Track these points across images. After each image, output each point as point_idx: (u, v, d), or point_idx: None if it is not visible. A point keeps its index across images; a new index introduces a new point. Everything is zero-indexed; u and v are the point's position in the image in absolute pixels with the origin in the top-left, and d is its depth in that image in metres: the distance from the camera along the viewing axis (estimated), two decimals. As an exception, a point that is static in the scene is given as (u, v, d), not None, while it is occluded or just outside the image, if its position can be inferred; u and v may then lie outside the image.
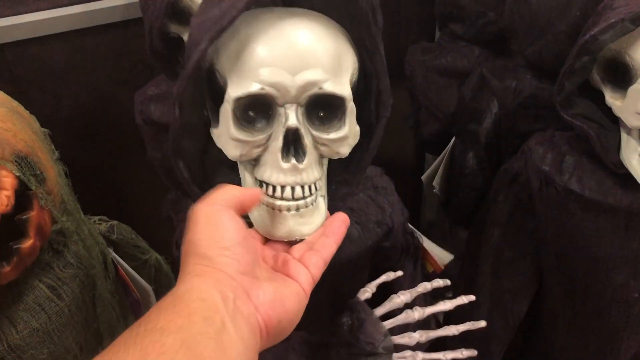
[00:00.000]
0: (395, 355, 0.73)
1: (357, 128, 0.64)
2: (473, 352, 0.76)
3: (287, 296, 0.53)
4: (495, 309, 0.98)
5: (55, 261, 0.88)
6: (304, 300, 0.55)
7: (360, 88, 0.65)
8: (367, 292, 0.77)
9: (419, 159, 1.76)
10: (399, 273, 0.79)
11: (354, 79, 0.63)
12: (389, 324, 0.75)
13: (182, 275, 0.50)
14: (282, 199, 0.60)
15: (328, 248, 0.59)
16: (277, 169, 0.60)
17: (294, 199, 0.60)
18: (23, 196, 0.76)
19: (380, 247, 0.83)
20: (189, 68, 0.57)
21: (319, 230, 0.62)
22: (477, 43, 1.24)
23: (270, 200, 0.61)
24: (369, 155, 0.68)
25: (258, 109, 0.59)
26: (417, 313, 0.76)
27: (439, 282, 0.78)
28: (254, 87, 0.57)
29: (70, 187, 0.90)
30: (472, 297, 0.78)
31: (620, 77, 0.78)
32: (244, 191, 0.56)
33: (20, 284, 0.82)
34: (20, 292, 0.83)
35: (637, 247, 0.85)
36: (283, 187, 0.60)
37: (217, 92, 0.61)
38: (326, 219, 0.64)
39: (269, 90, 0.57)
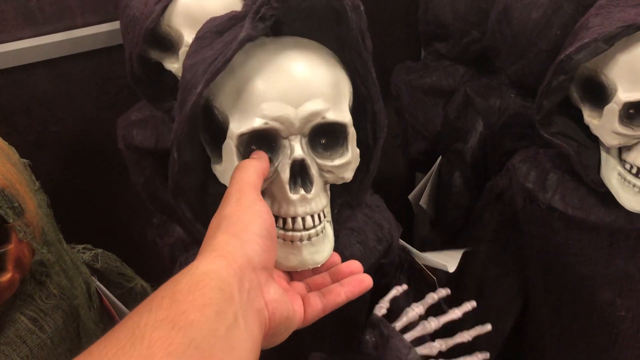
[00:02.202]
0: None
1: (358, 151, 0.64)
2: (486, 355, 0.76)
3: (290, 305, 0.52)
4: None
5: (37, 292, 0.87)
6: (295, 325, 0.54)
7: (356, 111, 0.65)
8: (382, 308, 0.76)
9: (410, 176, 1.76)
10: (405, 287, 0.79)
11: (350, 104, 0.63)
12: (410, 336, 0.75)
13: (206, 248, 0.48)
14: (293, 230, 0.60)
15: (336, 298, 0.58)
16: (286, 201, 0.59)
17: (305, 229, 0.60)
18: (1, 229, 0.75)
19: (380, 265, 0.83)
20: (186, 111, 0.57)
21: (341, 269, 0.61)
22: (461, 62, 1.24)
23: (282, 232, 0.60)
24: (369, 177, 0.68)
25: (261, 143, 0.59)
26: (434, 323, 0.76)
27: (442, 292, 0.79)
28: (257, 123, 0.57)
29: (51, 216, 0.89)
30: (474, 304, 0.78)
31: (597, 96, 0.78)
32: (261, 172, 0.56)
33: (1, 317, 0.81)
34: (0, 326, 0.81)
35: (622, 264, 0.85)
36: (294, 219, 0.60)
37: (216, 129, 0.61)
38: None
39: (273, 124, 0.57)
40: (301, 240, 0.60)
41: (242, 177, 0.54)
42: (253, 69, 0.58)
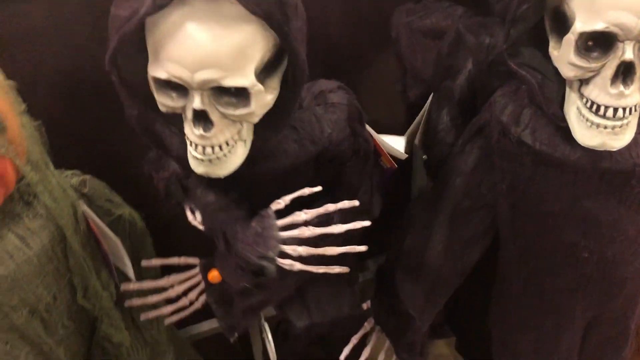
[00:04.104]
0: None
1: (269, 98, 0.76)
2: (344, 269, 0.87)
3: None
4: (446, 254, 0.99)
5: (25, 212, 0.91)
6: None
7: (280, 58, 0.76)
8: (279, 203, 0.86)
9: (410, 122, 1.74)
10: (316, 189, 0.86)
11: (266, 58, 0.74)
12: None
13: None
14: (196, 152, 0.77)
15: None
16: (191, 133, 0.76)
17: (204, 154, 0.76)
18: (-19, 145, 0.78)
19: (325, 154, 0.90)
20: (110, 51, 0.75)
21: None
22: (461, 2, 1.22)
23: (190, 149, 0.78)
24: (291, 107, 0.81)
25: (176, 86, 0.73)
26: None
27: (344, 204, 0.85)
28: (162, 75, 0.72)
29: (38, 139, 0.92)
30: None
31: (561, 27, 0.76)
32: None
33: (-11, 234, 0.85)
34: (-11, 242, 0.86)
35: (587, 204, 0.85)
36: (196, 146, 0.76)
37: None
38: None
39: (175, 80, 0.71)
40: (202, 160, 0.77)
41: None
42: (168, 29, 0.69)
